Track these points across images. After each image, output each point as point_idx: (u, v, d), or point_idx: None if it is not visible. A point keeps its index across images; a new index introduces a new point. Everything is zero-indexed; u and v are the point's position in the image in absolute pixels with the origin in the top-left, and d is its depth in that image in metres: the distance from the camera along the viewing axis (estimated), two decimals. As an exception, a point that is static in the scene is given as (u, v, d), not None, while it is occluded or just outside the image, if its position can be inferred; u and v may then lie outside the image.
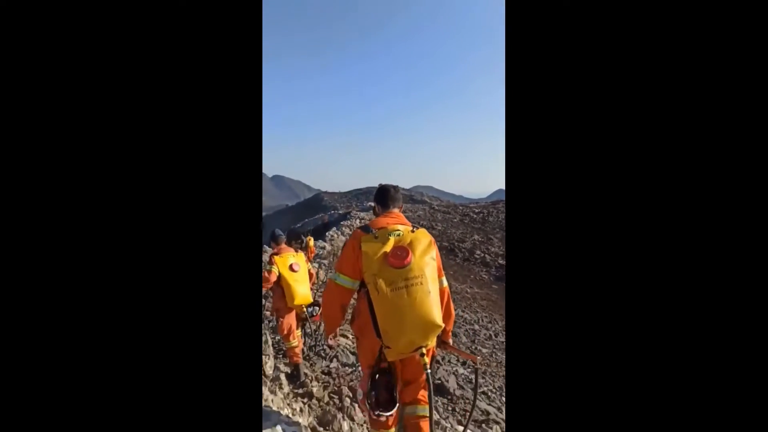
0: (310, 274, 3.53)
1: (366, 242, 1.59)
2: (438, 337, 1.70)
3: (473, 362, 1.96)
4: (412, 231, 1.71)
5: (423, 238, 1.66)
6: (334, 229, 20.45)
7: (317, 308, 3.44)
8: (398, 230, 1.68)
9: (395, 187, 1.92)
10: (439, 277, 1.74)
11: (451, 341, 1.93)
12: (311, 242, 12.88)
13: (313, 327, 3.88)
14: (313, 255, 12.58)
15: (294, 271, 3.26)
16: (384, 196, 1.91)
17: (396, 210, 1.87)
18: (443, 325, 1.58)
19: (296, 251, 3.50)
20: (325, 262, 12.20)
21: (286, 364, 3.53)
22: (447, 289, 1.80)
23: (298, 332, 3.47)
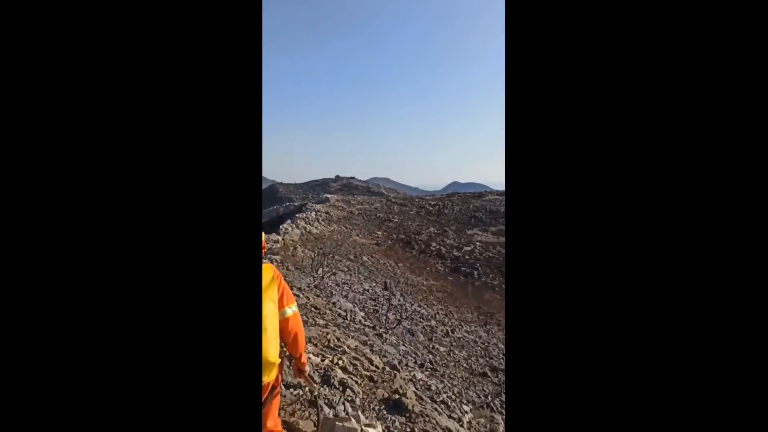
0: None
1: None
2: (294, 364, 1.84)
3: (311, 391, 2.09)
4: None
5: (265, 276, 1.70)
6: (289, 221, 19.91)
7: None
8: None
9: None
10: (285, 306, 1.76)
11: (306, 369, 1.93)
12: (263, 237, 12.30)
13: None
14: (264, 251, 11.91)
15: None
16: None
17: None
18: (276, 362, 1.60)
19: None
20: (277, 257, 11.70)
21: None
22: (295, 316, 1.79)
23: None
